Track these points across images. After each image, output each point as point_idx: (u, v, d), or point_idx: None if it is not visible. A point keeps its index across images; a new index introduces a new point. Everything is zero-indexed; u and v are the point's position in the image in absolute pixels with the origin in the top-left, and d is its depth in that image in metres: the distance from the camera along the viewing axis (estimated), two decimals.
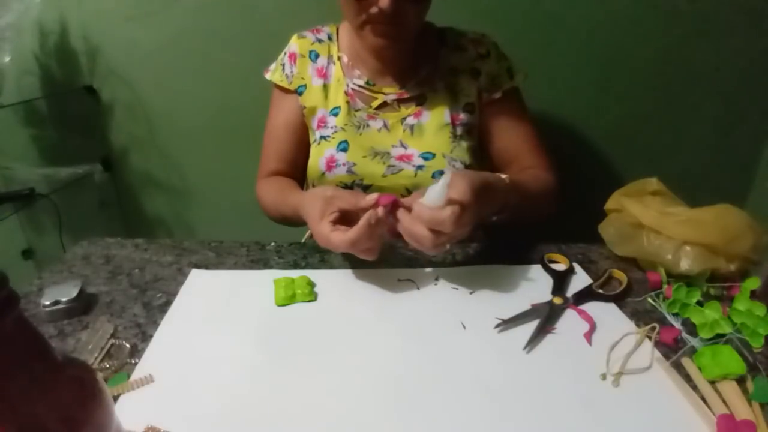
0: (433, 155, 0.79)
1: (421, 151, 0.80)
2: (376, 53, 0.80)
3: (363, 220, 0.58)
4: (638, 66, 1.20)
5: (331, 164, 0.80)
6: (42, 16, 1.13)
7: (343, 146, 0.80)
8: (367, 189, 0.80)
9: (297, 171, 0.88)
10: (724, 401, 0.46)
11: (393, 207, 0.60)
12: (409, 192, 0.80)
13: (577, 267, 0.69)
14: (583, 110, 1.25)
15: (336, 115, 0.82)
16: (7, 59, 1.01)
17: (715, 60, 1.20)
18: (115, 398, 0.46)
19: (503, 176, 0.68)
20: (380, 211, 0.58)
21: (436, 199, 0.56)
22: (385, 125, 0.82)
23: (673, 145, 1.31)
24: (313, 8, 1.02)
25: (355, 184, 0.80)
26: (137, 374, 0.49)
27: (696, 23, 1.16)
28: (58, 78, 1.21)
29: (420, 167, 0.79)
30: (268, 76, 0.87)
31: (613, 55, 1.19)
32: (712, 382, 0.48)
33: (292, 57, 0.84)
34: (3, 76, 1.06)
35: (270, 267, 0.69)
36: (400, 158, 0.80)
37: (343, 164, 0.79)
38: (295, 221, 0.74)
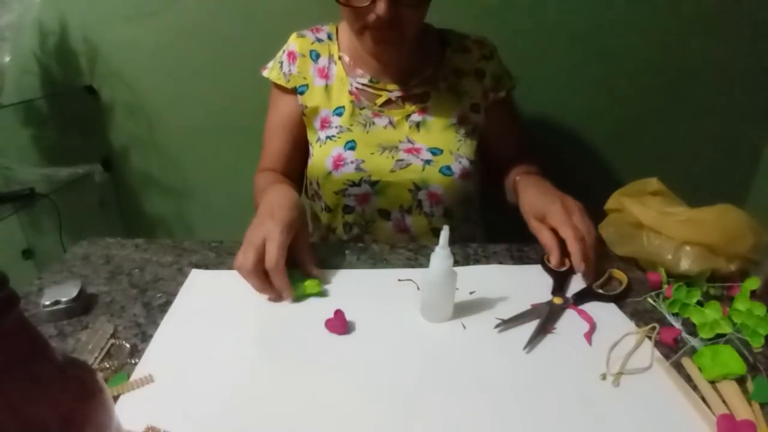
0: (441, 151, 0.80)
1: (429, 146, 0.80)
2: (376, 58, 0.80)
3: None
4: (638, 66, 1.20)
5: (338, 163, 0.79)
6: (42, 16, 1.13)
7: (351, 145, 0.80)
8: (374, 185, 0.80)
9: (292, 171, 0.89)
10: (724, 401, 0.46)
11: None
12: (416, 186, 0.80)
13: None
14: (583, 110, 1.25)
15: (340, 115, 0.82)
16: (7, 59, 1.01)
17: (715, 60, 1.20)
18: (115, 398, 0.46)
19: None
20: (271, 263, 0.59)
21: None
22: (390, 122, 0.82)
23: (673, 145, 1.31)
24: (313, 8, 1.02)
25: (363, 181, 0.79)
26: (137, 374, 0.49)
27: (696, 23, 1.16)
28: (58, 78, 1.21)
29: (428, 161, 0.79)
30: (265, 73, 0.87)
31: (613, 55, 1.19)
32: (712, 382, 0.48)
33: (291, 56, 0.84)
34: (3, 76, 1.06)
35: None
36: (409, 151, 0.80)
37: (351, 162, 0.79)
38: None
